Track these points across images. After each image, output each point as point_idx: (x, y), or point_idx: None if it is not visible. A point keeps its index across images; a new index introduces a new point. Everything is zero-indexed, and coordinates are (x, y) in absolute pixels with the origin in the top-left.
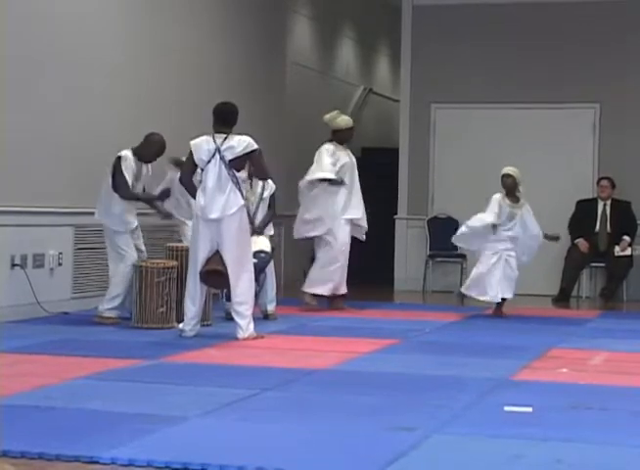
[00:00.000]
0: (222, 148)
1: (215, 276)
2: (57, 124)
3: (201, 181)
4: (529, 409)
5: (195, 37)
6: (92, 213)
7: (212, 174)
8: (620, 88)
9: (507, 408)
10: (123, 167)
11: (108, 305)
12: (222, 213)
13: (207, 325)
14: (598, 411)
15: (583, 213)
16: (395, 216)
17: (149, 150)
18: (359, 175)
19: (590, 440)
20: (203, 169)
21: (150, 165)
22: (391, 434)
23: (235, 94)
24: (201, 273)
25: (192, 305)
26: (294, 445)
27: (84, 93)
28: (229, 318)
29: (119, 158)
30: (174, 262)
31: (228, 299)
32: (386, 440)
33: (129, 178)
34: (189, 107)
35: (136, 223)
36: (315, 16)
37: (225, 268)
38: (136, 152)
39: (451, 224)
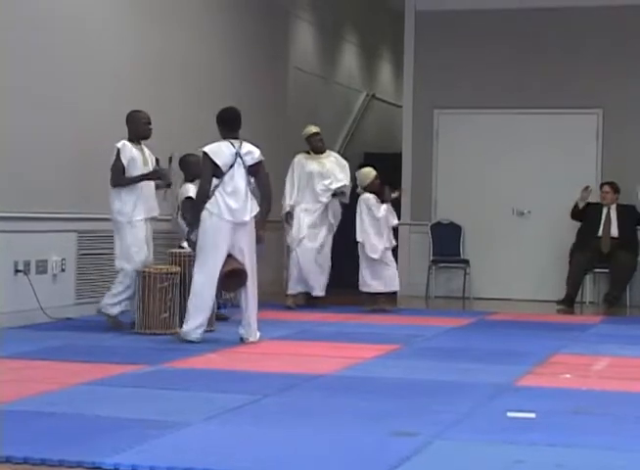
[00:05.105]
0: (242, 152)
1: (235, 277)
2: (59, 130)
3: (217, 186)
4: (532, 415)
5: (196, 42)
6: (95, 220)
7: (240, 178)
8: (623, 93)
9: (510, 414)
10: (121, 156)
11: (108, 301)
12: (250, 217)
13: (210, 331)
14: (601, 417)
15: (587, 216)
16: (398, 222)
17: (135, 126)
18: None
19: (592, 445)
20: (222, 174)
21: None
22: (394, 439)
23: (237, 99)
24: (222, 274)
25: (203, 312)
26: (296, 450)
27: (86, 98)
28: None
29: (117, 149)
30: (177, 268)
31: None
32: (388, 445)
33: (128, 164)
34: (191, 111)
35: (142, 217)
36: (317, 21)
37: (244, 267)
38: (130, 138)
39: (454, 230)
